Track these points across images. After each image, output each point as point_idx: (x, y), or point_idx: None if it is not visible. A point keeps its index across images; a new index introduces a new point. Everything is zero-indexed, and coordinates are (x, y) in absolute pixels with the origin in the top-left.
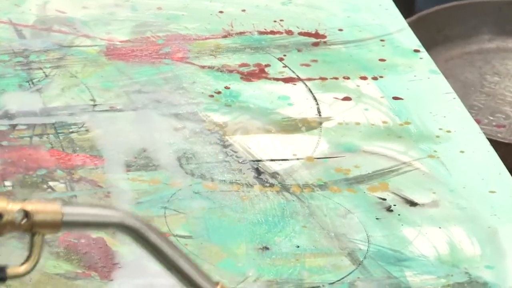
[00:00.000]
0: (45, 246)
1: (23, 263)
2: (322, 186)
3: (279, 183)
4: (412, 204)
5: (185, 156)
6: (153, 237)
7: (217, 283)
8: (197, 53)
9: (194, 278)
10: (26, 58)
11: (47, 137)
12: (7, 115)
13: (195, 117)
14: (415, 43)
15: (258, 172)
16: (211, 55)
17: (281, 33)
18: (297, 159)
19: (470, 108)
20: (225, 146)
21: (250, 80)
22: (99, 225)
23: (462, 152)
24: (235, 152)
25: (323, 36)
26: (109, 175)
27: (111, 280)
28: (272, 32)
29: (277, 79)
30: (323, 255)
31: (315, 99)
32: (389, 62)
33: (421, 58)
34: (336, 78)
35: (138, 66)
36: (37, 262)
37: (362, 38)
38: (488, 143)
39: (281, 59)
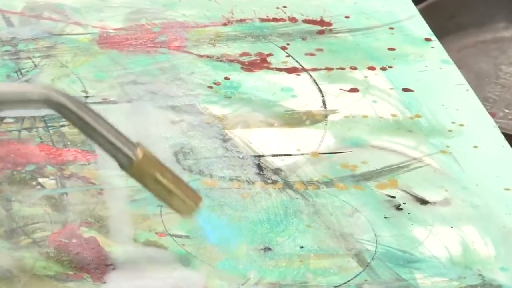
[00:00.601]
0: (35, 246)
1: None
2: (328, 183)
3: (282, 179)
4: (423, 202)
5: (182, 151)
6: (76, 109)
7: (137, 144)
8: (195, 42)
9: (116, 144)
10: (14, 47)
11: (36, 131)
12: None
13: (193, 109)
14: (426, 31)
15: (260, 168)
16: (210, 43)
17: (284, 20)
18: (301, 154)
19: (484, 100)
20: (224, 141)
21: (251, 71)
22: (23, 102)
23: (475, 147)
24: (236, 146)
25: (329, 24)
26: (102, 171)
27: (104, 282)
28: (274, 20)
29: (280, 69)
30: (329, 256)
31: (320, 90)
32: (398, 52)
33: (432, 47)
34: (343, 69)
35: (133, 56)
36: None
37: (370, 26)
38: (503, 137)
39: (284, 48)
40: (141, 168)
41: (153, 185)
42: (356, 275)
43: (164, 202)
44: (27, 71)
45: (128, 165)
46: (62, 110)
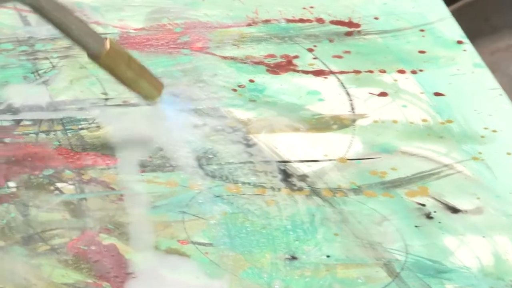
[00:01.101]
0: (53, 253)
1: None
2: (356, 190)
3: (308, 186)
4: (454, 210)
5: (205, 156)
6: (48, 7)
7: (105, 39)
8: (219, 43)
9: (85, 38)
10: (31, 47)
11: (54, 134)
12: (11, 110)
13: (216, 113)
14: (458, 33)
15: (286, 174)
16: (234, 45)
17: (311, 21)
18: (328, 160)
19: None
20: (249, 146)
21: (276, 73)
22: None
23: (509, 154)
24: (260, 152)
25: (357, 25)
26: (122, 176)
27: None
28: (301, 20)
29: (306, 72)
30: (357, 266)
31: (348, 94)
32: (429, 54)
33: (464, 50)
34: (371, 72)
35: (154, 57)
36: None
37: (400, 28)
38: None
39: (311, 50)
40: (109, 57)
41: (120, 74)
42: (385, 286)
43: (131, 89)
44: (45, 72)
45: (97, 54)
46: (35, 8)
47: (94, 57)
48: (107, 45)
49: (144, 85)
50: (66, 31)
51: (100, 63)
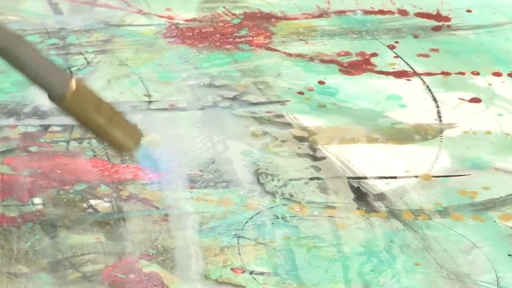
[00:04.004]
0: (85, 281)
1: None
2: (441, 213)
3: (386, 207)
4: None
5: (265, 171)
6: (4, 40)
7: (70, 77)
8: (283, 37)
9: (45, 75)
10: (62, 39)
11: (88, 143)
12: (38, 113)
13: (280, 119)
14: None
15: (360, 192)
16: (301, 40)
17: (393, 13)
18: (410, 177)
19: None
20: (317, 159)
21: (351, 74)
22: None
23: None
24: (330, 166)
25: (447, 19)
26: (167, 192)
27: None
28: (381, 12)
29: (386, 73)
30: None
31: (434, 100)
32: None
33: None
34: (462, 74)
35: (207, 53)
36: None
37: (497, 23)
38: None
39: (392, 47)
40: (75, 100)
41: (89, 120)
42: None
43: (101, 138)
44: (78, 69)
45: (60, 96)
46: None
47: (57, 99)
48: (73, 85)
49: (118, 134)
50: (21, 67)
51: (64, 106)
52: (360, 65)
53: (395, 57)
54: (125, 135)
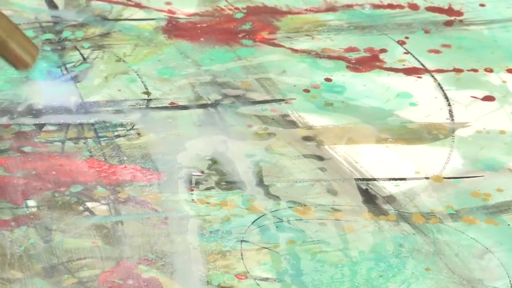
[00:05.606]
0: (82, 287)
1: None
2: (453, 216)
3: (395, 210)
4: None
5: (269, 172)
6: None
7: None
8: (288, 32)
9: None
10: (57, 34)
11: (84, 142)
12: (32, 112)
13: (285, 118)
14: None
15: (368, 195)
16: (307, 35)
17: (403, 7)
18: (421, 178)
19: None
20: (323, 159)
21: (359, 70)
22: None
23: None
24: (337, 167)
25: (459, 13)
26: (167, 195)
27: None
28: (390, 6)
29: (396, 70)
30: None
31: (446, 98)
32: None
33: None
34: (475, 71)
35: (209, 49)
36: None
37: (511, 18)
38: None
39: (402, 43)
40: None
41: None
42: None
43: None
44: (74, 65)
45: None
46: None
47: None
48: None
49: (14, 48)
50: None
51: None
52: (368, 62)
53: (405, 53)
54: (22, 50)
